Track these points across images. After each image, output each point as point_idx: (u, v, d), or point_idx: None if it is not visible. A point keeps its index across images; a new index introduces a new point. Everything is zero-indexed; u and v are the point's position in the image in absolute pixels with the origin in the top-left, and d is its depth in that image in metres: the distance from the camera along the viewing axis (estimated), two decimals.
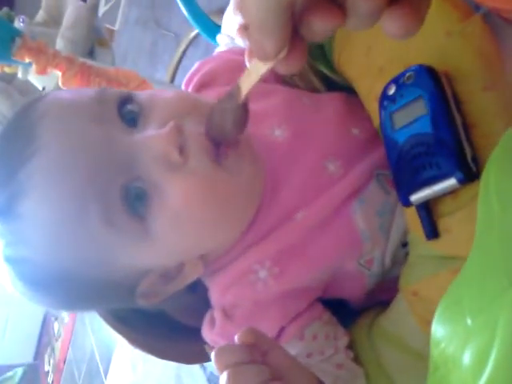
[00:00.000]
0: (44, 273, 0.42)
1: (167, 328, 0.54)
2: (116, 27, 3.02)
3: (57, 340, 3.46)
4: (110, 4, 2.99)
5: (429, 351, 0.30)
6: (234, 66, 0.54)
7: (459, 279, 0.28)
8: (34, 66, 0.78)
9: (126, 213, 0.40)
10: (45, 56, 0.77)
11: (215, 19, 1.61)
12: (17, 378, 3.22)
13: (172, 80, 1.93)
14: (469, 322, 0.26)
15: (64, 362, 3.27)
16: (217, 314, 0.48)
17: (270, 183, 0.47)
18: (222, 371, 0.36)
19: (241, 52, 0.54)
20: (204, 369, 1.58)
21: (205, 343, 0.51)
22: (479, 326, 0.25)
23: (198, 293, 0.51)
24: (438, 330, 0.28)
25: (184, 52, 1.91)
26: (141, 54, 2.75)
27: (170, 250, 0.44)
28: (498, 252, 0.25)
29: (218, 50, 0.59)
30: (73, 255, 0.42)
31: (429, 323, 0.40)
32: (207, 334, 0.49)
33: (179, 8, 1.07)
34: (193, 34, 1.79)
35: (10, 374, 3.31)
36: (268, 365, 0.37)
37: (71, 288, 0.44)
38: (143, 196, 0.41)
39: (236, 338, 0.37)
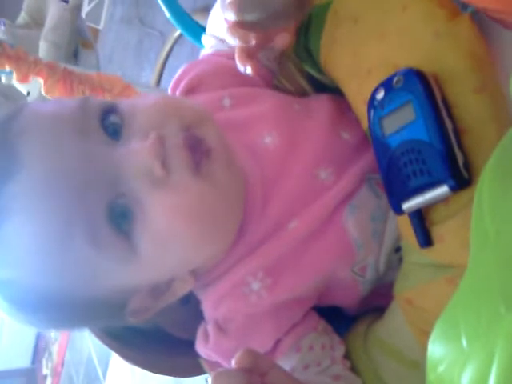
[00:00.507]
0: (30, 294, 0.41)
1: (161, 343, 0.53)
2: (100, 26, 2.99)
3: (53, 343, 3.46)
4: (93, 3, 2.96)
5: (425, 361, 0.29)
6: (221, 70, 0.52)
7: (455, 300, 0.27)
8: (14, 74, 0.76)
9: (112, 232, 0.39)
10: (25, 63, 0.75)
11: (200, 18, 1.59)
12: None
13: (159, 79, 1.91)
14: (465, 346, 0.25)
15: (62, 366, 3.27)
16: (210, 327, 0.47)
17: (261, 192, 0.46)
18: None
19: (227, 55, 0.53)
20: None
21: (199, 356, 0.50)
22: (476, 351, 0.24)
23: (190, 305, 0.50)
24: (434, 352, 0.27)
25: (170, 50, 1.89)
26: (126, 53, 2.73)
27: (158, 268, 0.43)
28: (493, 275, 0.24)
29: (203, 52, 0.57)
30: (59, 276, 0.40)
31: (424, 333, 0.40)
32: (201, 348, 0.48)
33: None
34: (178, 32, 1.77)
35: None
36: None
37: (59, 308, 0.42)
38: (128, 213, 0.40)
39: (233, 361, 0.35)
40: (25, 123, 0.41)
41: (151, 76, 1.98)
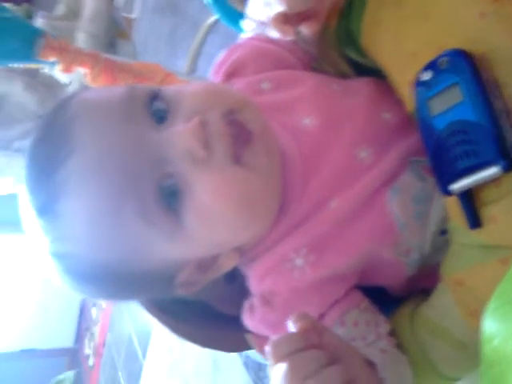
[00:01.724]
0: (87, 266, 0.44)
1: (208, 317, 0.55)
2: (134, 16, 3.01)
3: (95, 325, 3.56)
4: None
5: (475, 343, 0.30)
6: (262, 54, 0.53)
7: (509, 277, 0.27)
8: (59, 65, 0.78)
9: (161, 209, 0.42)
10: (69, 54, 0.77)
11: (236, 3, 1.59)
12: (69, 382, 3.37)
13: (192, 67, 1.92)
14: None
15: (103, 346, 3.37)
16: (256, 301, 0.49)
17: (301, 172, 0.47)
18: (279, 362, 0.36)
19: (268, 39, 0.53)
20: (240, 353, 1.60)
21: (245, 331, 0.52)
22: None
23: (235, 283, 0.52)
24: (489, 326, 0.28)
25: (203, 39, 1.90)
26: (160, 42, 2.74)
27: (203, 244, 0.45)
28: None
29: (243, 35, 0.58)
30: (112, 250, 0.43)
31: (474, 313, 0.40)
32: (248, 320, 0.50)
33: None
34: (211, 20, 1.77)
35: (61, 377, 3.45)
36: (324, 348, 0.37)
37: (113, 279, 0.45)
38: (176, 192, 0.42)
39: (291, 323, 0.37)
40: (77, 109, 0.44)
41: (185, 64, 1.99)
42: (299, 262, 0.46)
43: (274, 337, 0.39)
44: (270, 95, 0.51)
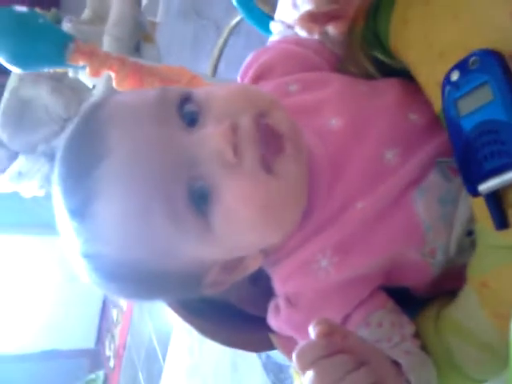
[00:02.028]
0: (117, 266, 0.45)
1: (232, 317, 0.55)
2: (158, 19, 3.05)
3: (116, 326, 3.60)
4: None
5: (501, 345, 0.30)
6: (289, 56, 0.54)
7: None
8: (87, 69, 0.80)
9: (191, 211, 0.42)
10: (98, 58, 0.79)
11: (262, 5, 1.60)
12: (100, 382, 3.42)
13: (215, 70, 1.94)
14: None
15: (124, 348, 3.40)
16: (281, 301, 0.49)
17: (328, 173, 0.47)
18: (306, 370, 0.36)
19: (295, 41, 0.54)
20: (259, 355, 1.61)
21: (269, 331, 0.52)
22: None
23: (259, 284, 0.52)
24: None
25: (225, 41, 1.92)
26: (183, 45, 2.77)
27: (230, 246, 0.45)
28: None
29: (271, 38, 0.58)
30: (142, 251, 0.44)
31: (499, 315, 0.40)
32: (273, 321, 0.50)
33: None
34: (233, 22, 1.78)
35: (92, 376, 3.50)
36: (349, 352, 0.37)
37: (143, 279, 0.46)
38: (206, 195, 0.42)
39: (311, 329, 0.38)
40: (110, 112, 0.45)
41: (208, 67, 2.01)
42: (324, 263, 0.46)
43: (299, 342, 0.40)
44: (297, 97, 0.52)
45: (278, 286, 0.50)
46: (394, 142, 0.47)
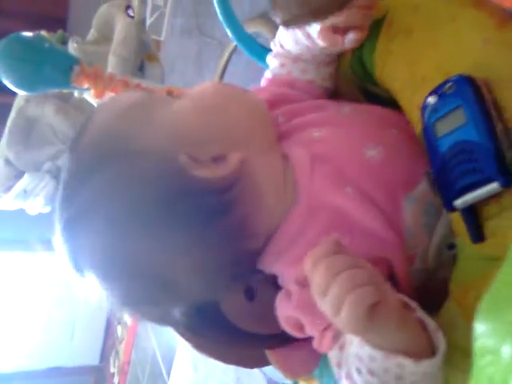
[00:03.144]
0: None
1: (230, 334, 0.57)
2: (162, 38, 3.10)
3: (120, 343, 3.59)
4: (155, 15, 3.08)
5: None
6: (280, 100, 0.58)
7: (500, 279, 0.29)
8: (92, 91, 0.83)
9: None
10: (102, 81, 0.82)
11: (257, 25, 1.64)
12: None
13: None
14: (507, 318, 0.28)
15: (128, 364, 3.39)
16: (292, 286, 0.50)
17: (309, 167, 0.51)
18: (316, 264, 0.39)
19: (288, 83, 0.59)
20: (264, 372, 1.61)
21: (265, 348, 0.54)
22: None
23: (256, 301, 0.55)
24: (479, 326, 0.30)
25: (228, 59, 1.95)
26: (187, 63, 2.81)
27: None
28: None
29: (266, 73, 0.62)
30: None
31: None
32: (284, 309, 0.51)
33: None
34: None
35: None
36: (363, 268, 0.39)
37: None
38: None
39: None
40: None
41: None
42: None
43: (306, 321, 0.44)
44: (285, 125, 0.56)
45: (288, 272, 0.50)
46: (376, 142, 0.50)
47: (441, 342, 0.41)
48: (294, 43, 0.57)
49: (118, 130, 0.50)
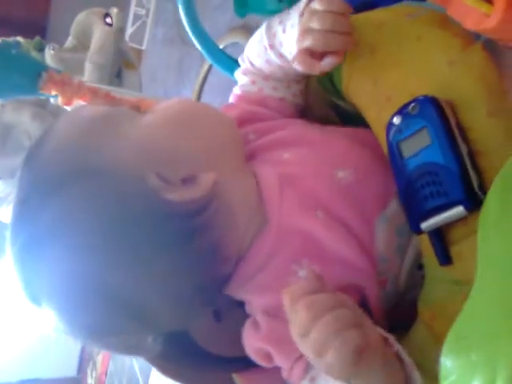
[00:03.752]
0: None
1: (197, 358, 0.56)
2: (143, 47, 3.09)
3: (98, 354, 3.54)
4: (136, 25, 3.07)
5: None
6: (251, 118, 0.56)
7: (464, 314, 0.28)
8: (60, 99, 0.81)
9: None
10: (70, 88, 0.81)
11: (237, 36, 1.64)
12: None
13: (199, 95, 1.97)
14: (473, 357, 0.27)
15: (105, 375, 3.34)
16: (260, 317, 0.48)
17: (277, 189, 0.49)
18: (296, 303, 0.37)
19: (259, 101, 0.57)
20: None
21: (232, 371, 0.53)
22: (482, 362, 0.26)
23: (223, 323, 0.53)
24: (446, 362, 0.29)
25: (209, 68, 1.95)
26: (168, 72, 2.81)
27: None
28: (498, 291, 0.26)
29: (234, 89, 0.61)
30: None
31: None
32: (252, 341, 0.49)
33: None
34: None
35: None
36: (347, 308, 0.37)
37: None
38: None
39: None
40: None
41: (192, 93, 2.04)
42: (303, 273, 0.46)
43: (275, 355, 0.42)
44: (255, 143, 0.54)
45: (256, 300, 0.49)
46: (346, 164, 0.49)
47: (417, 379, 0.40)
48: (265, 62, 0.55)
49: (82, 144, 0.45)
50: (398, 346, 0.41)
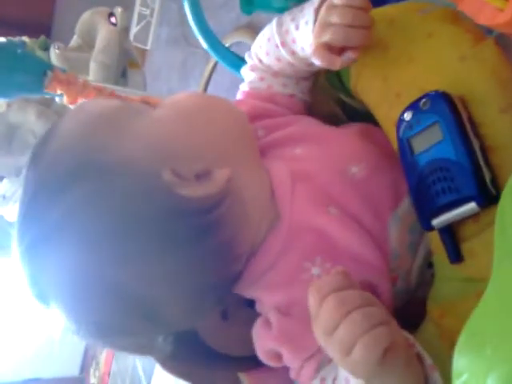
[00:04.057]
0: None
1: (203, 356, 0.55)
2: (148, 47, 3.10)
3: (101, 353, 3.54)
4: (141, 25, 3.08)
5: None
6: (260, 114, 0.56)
7: (479, 310, 0.28)
8: (65, 98, 0.81)
9: None
10: (75, 87, 0.81)
11: (243, 35, 1.64)
12: None
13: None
14: (489, 352, 0.26)
15: (108, 375, 3.35)
16: (272, 315, 0.47)
17: (290, 185, 0.48)
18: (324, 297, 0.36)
19: (268, 98, 0.56)
20: None
21: (239, 371, 0.53)
22: (501, 356, 0.25)
23: (230, 321, 0.53)
24: (459, 361, 0.29)
25: (213, 67, 1.95)
26: (173, 71, 2.81)
27: None
28: None
29: (242, 86, 0.60)
30: None
31: None
32: (263, 339, 0.48)
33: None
34: None
35: None
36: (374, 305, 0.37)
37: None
38: None
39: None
40: None
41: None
42: (316, 271, 0.46)
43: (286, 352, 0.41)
44: (265, 139, 0.54)
45: (267, 298, 0.48)
46: (358, 159, 0.49)
47: (438, 382, 0.39)
48: (275, 59, 0.55)
49: (92, 139, 0.44)
50: (419, 347, 0.40)
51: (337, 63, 0.46)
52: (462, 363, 0.28)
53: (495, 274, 0.28)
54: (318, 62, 0.47)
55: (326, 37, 0.45)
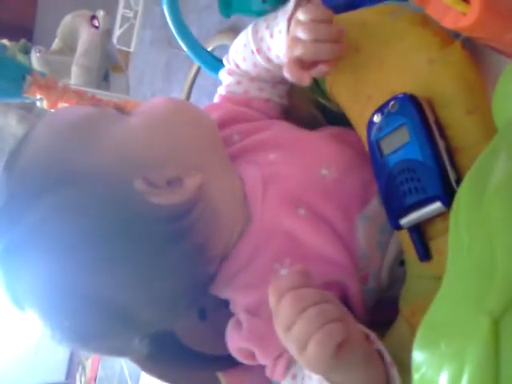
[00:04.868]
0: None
1: (180, 357, 0.56)
2: (131, 49, 3.08)
3: (87, 359, 3.51)
4: (124, 27, 3.06)
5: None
6: (236, 118, 0.56)
7: (435, 305, 0.29)
8: (44, 102, 0.81)
9: None
10: (55, 91, 0.80)
11: (226, 39, 1.64)
12: None
13: (187, 97, 1.97)
14: (443, 347, 0.27)
15: (95, 381, 3.32)
16: (242, 316, 0.48)
17: (261, 189, 0.49)
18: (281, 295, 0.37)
19: (245, 102, 0.57)
20: None
21: (217, 371, 0.53)
22: (451, 352, 0.26)
23: (207, 322, 0.53)
24: (417, 354, 0.29)
25: (197, 70, 1.95)
26: (156, 74, 2.80)
27: None
28: (469, 281, 0.26)
29: (219, 89, 0.61)
30: None
31: None
32: (234, 339, 0.49)
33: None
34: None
35: None
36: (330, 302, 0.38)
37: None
38: None
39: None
40: None
41: (180, 95, 2.04)
42: (285, 272, 0.47)
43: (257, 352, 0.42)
44: (239, 143, 0.55)
45: (240, 298, 0.49)
46: (329, 162, 0.50)
47: (396, 379, 0.40)
48: (251, 65, 0.56)
49: (64, 149, 0.45)
50: (379, 344, 0.41)
51: (306, 80, 0.47)
52: (419, 357, 0.29)
53: (448, 268, 0.29)
54: (288, 76, 0.48)
55: (298, 51, 0.46)
